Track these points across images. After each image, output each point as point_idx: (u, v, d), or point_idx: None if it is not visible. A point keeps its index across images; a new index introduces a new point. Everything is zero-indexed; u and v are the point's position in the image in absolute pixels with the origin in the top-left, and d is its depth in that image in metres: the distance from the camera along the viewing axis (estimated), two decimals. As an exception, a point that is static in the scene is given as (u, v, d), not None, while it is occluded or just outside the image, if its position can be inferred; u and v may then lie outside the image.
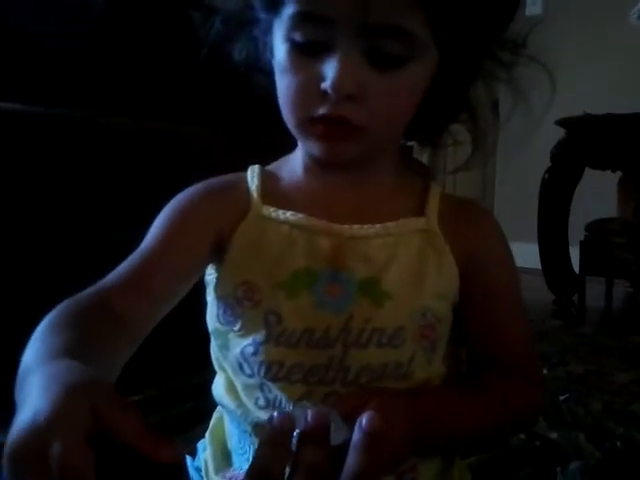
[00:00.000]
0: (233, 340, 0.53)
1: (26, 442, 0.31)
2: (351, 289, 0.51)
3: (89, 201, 1.18)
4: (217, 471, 0.56)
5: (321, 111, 0.47)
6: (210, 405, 0.60)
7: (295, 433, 0.41)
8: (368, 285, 0.51)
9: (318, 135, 0.49)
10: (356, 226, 0.52)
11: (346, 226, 0.52)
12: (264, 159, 0.60)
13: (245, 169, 0.58)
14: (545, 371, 1.38)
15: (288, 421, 0.41)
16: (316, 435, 0.41)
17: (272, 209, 0.53)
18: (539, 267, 2.31)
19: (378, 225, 0.52)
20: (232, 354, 0.53)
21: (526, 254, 2.12)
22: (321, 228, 0.52)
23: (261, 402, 0.51)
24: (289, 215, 0.52)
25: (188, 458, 0.60)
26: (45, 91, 1.13)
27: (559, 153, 2.26)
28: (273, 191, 0.55)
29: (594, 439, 0.91)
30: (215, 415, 0.61)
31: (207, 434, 0.60)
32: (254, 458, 0.41)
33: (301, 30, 0.47)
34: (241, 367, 0.52)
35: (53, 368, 0.36)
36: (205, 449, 0.59)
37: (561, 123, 2.25)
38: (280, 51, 0.49)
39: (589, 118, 2.21)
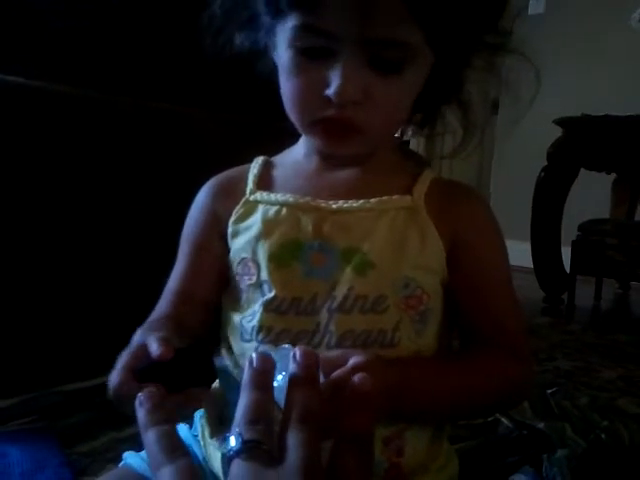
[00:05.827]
0: (236, 311, 0.56)
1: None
2: (335, 258, 0.53)
3: (87, 180, 1.18)
4: (212, 435, 0.57)
5: (325, 114, 0.50)
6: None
7: (283, 374, 0.41)
8: (349, 254, 0.53)
9: (321, 134, 0.53)
10: (341, 201, 0.54)
11: (331, 202, 0.54)
12: (264, 142, 0.63)
13: (243, 152, 0.62)
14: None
15: (268, 362, 0.41)
16: (306, 375, 0.40)
17: (264, 193, 0.57)
18: (530, 266, 2.33)
19: (361, 200, 0.54)
20: (235, 321, 0.56)
21: (518, 252, 2.14)
22: (306, 205, 0.55)
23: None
24: (279, 197, 0.56)
25: (186, 427, 0.62)
26: (47, 67, 1.13)
27: (555, 152, 2.28)
28: (270, 177, 0.59)
29: (580, 430, 0.93)
30: (213, 385, 0.62)
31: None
32: (240, 404, 0.39)
33: (304, 39, 0.49)
34: (241, 334, 0.55)
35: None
36: (202, 416, 0.60)
37: (559, 122, 2.26)
38: (284, 56, 0.52)
39: (587, 119, 2.22)
